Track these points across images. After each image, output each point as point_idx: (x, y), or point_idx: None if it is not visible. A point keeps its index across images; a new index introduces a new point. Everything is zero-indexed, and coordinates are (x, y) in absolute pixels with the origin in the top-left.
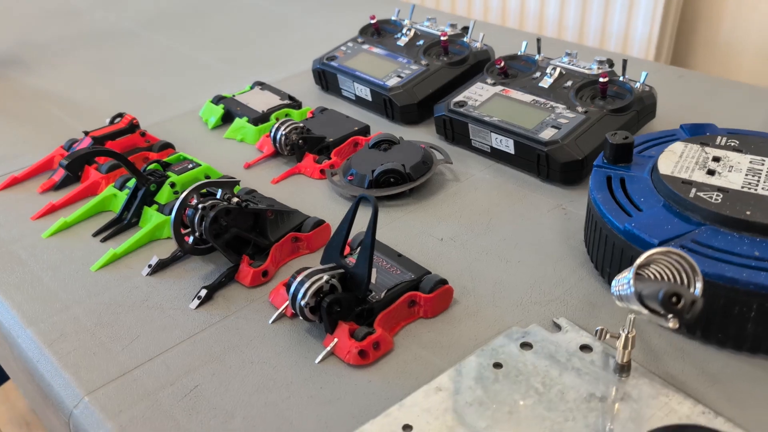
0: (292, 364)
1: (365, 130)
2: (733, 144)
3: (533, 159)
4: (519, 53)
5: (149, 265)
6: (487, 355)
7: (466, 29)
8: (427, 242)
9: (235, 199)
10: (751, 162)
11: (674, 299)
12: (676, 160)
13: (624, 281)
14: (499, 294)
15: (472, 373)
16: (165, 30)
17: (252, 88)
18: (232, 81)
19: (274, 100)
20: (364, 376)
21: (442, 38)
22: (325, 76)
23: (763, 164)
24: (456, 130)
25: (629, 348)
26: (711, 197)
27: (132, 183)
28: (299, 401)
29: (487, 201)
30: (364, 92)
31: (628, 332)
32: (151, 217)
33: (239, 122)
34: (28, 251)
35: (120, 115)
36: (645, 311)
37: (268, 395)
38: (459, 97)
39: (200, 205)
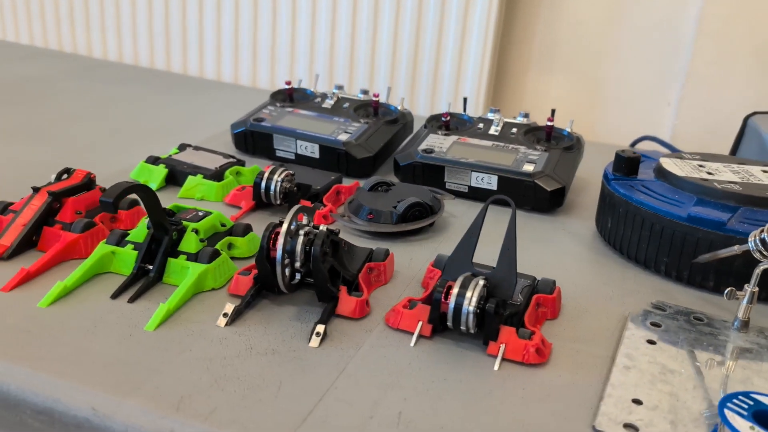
0: (473, 377)
1: (340, 179)
2: (696, 157)
3: (518, 192)
4: (447, 111)
5: (224, 314)
6: (632, 341)
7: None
8: (485, 262)
9: (324, 227)
10: (724, 165)
11: None
12: (676, 167)
13: None
14: (588, 293)
15: (638, 352)
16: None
17: (181, 149)
18: (139, 148)
19: (218, 158)
20: (549, 372)
21: (375, 99)
22: (254, 138)
23: (737, 165)
24: (427, 175)
25: (753, 303)
26: (733, 188)
27: (136, 237)
28: (514, 403)
29: (497, 230)
30: (310, 149)
31: (753, 288)
32: (183, 269)
33: (194, 180)
34: (29, 322)
35: (67, 170)
36: None
37: (476, 406)
38: (423, 146)
39: (301, 231)
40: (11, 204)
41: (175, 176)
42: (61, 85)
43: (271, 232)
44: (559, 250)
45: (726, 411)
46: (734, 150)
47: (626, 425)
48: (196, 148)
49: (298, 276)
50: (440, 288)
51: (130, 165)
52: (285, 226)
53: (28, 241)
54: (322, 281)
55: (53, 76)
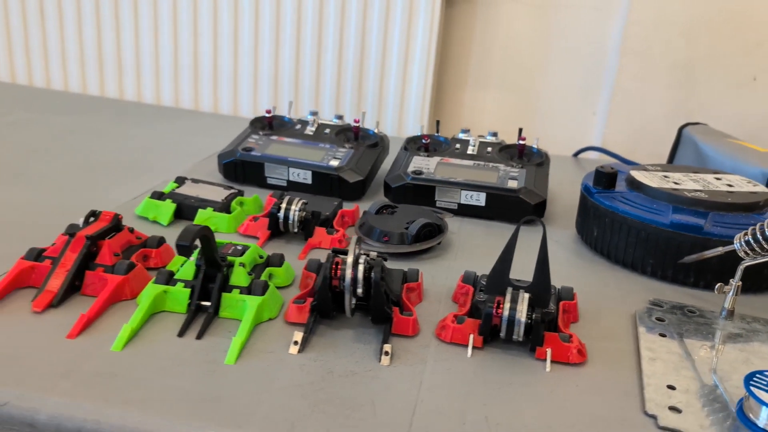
0: (531, 380)
1: (341, 204)
2: (658, 169)
3: (504, 206)
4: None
5: (295, 342)
6: (648, 335)
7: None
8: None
9: (373, 253)
10: (684, 175)
11: None
12: (647, 179)
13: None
14: (593, 296)
15: (656, 344)
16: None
17: (179, 183)
18: (125, 183)
19: (219, 190)
20: (590, 369)
21: (355, 124)
22: (244, 167)
23: (693, 174)
24: (418, 195)
25: (737, 295)
26: (700, 196)
27: (184, 275)
28: (575, 399)
29: (495, 242)
30: (303, 176)
31: (737, 282)
32: (239, 302)
33: (205, 213)
34: (111, 366)
35: (94, 213)
36: None
37: (547, 405)
38: (411, 168)
39: (359, 260)
40: (44, 250)
41: (182, 210)
42: (4, 118)
43: (332, 262)
44: (551, 258)
45: (752, 388)
46: (671, 158)
47: (670, 408)
48: (195, 181)
49: (354, 301)
50: (490, 303)
51: (124, 200)
52: (351, 258)
53: (72, 286)
54: (381, 304)
55: None
